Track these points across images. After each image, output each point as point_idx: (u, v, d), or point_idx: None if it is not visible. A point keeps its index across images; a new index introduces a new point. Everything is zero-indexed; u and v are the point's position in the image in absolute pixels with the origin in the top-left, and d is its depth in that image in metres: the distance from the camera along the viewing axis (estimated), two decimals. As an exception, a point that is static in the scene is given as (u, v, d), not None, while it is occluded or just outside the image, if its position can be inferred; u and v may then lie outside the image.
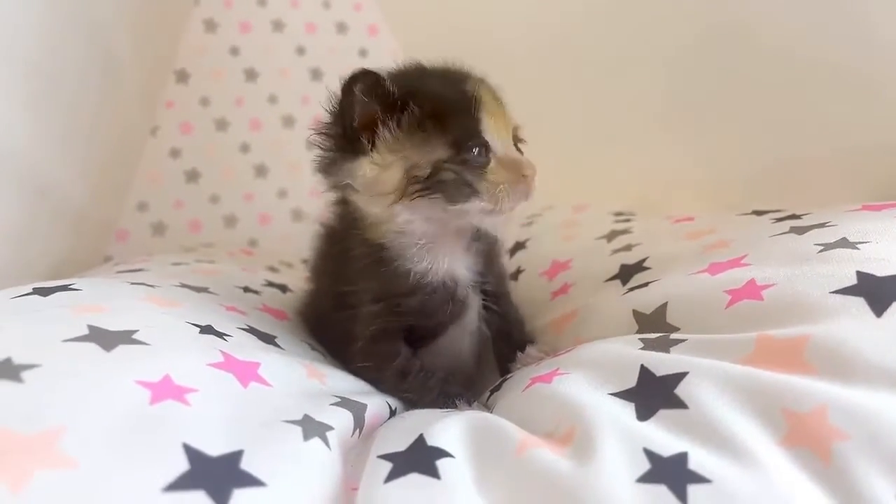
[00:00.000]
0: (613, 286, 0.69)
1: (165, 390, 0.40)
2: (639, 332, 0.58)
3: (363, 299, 0.63)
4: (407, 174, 0.57)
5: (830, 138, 0.84)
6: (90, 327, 0.44)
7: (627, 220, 0.89)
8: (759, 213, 0.75)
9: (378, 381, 0.62)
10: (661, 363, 0.48)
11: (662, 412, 0.44)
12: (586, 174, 1.27)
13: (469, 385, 0.70)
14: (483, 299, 0.68)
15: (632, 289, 0.66)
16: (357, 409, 0.50)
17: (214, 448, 0.37)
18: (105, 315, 0.47)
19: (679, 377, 0.46)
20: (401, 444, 0.44)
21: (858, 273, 0.49)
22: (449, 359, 0.69)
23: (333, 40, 1.51)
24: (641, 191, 1.15)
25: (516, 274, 0.84)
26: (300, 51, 1.49)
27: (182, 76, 1.42)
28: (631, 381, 0.48)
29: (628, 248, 0.76)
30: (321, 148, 0.61)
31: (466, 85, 0.59)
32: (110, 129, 1.13)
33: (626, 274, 0.70)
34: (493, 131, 0.58)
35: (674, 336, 0.53)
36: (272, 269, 1.09)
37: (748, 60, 0.88)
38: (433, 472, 0.40)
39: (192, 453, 0.35)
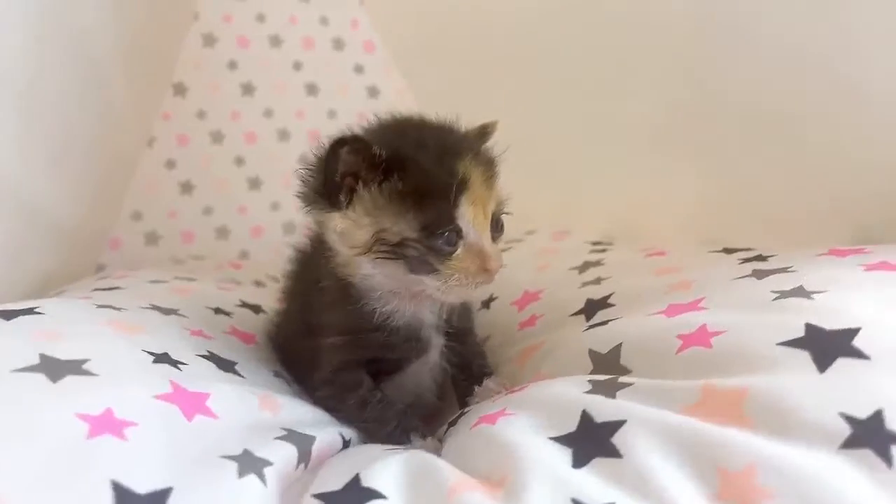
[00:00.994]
0: (577, 321, 0.70)
1: (104, 424, 0.40)
2: (593, 371, 0.59)
3: (329, 330, 0.64)
4: (376, 236, 0.58)
5: (815, 177, 0.83)
6: (42, 356, 0.45)
7: (603, 251, 0.89)
8: (729, 251, 0.75)
9: (339, 410, 0.63)
10: (603, 409, 0.49)
11: (597, 460, 0.45)
12: (572, 197, 1.27)
13: (431, 418, 0.70)
14: (446, 336, 0.69)
15: (592, 326, 0.66)
16: (303, 443, 0.51)
17: (143, 485, 0.37)
18: (60, 342, 0.48)
19: (617, 425, 0.46)
20: (337, 483, 0.45)
21: (807, 325, 0.49)
22: (411, 392, 0.70)
23: (330, 56, 1.53)
24: (626, 217, 1.16)
25: (489, 301, 0.85)
26: (297, 66, 1.51)
27: (180, 89, 1.43)
28: (571, 426, 0.48)
29: (597, 281, 0.76)
30: (304, 184, 0.61)
31: (456, 164, 0.58)
32: (105, 141, 1.15)
33: (590, 309, 0.70)
34: (469, 218, 0.58)
35: (623, 379, 0.53)
36: (258, 284, 1.11)
37: (739, 94, 0.88)
38: (363, 515, 0.41)
39: (119, 490, 0.36)
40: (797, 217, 0.84)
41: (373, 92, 1.56)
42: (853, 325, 0.48)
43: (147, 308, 0.67)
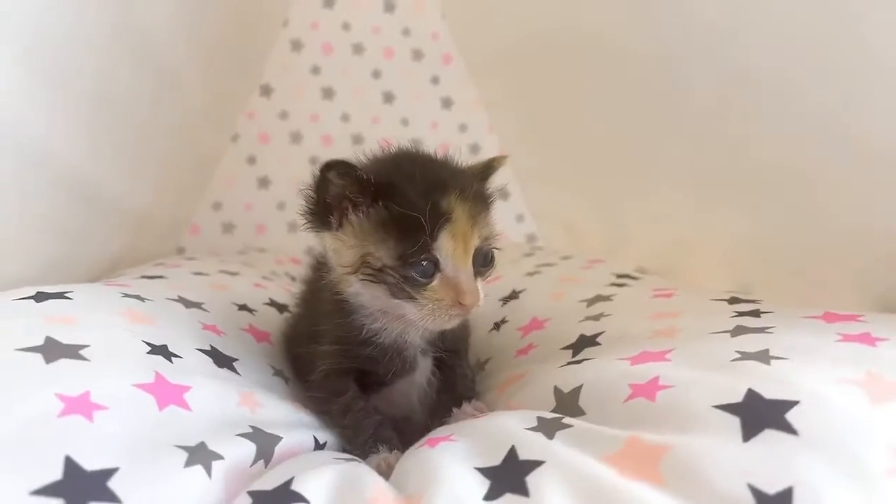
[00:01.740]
0: (563, 356, 0.71)
1: (77, 405, 0.47)
2: (554, 409, 0.60)
3: (324, 337, 0.69)
4: (361, 258, 0.62)
5: (842, 237, 0.80)
6: (47, 338, 0.53)
7: (621, 285, 0.89)
8: (732, 300, 0.74)
9: (324, 413, 0.69)
10: (530, 447, 0.51)
11: (508, 496, 0.47)
12: (618, 227, 1.27)
13: (420, 433, 0.74)
14: (434, 359, 0.72)
15: (571, 363, 0.68)
16: (266, 441, 0.57)
17: (92, 463, 0.44)
18: (69, 327, 0.56)
19: (535, 465, 0.49)
20: (272, 483, 0.50)
21: (748, 391, 0.49)
22: (400, 407, 0.74)
23: (408, 66, 1.59)
24: (665, 251, 1.14)
25: (500, 324, 0.88)
26: (376, 74, 1.58)
27: (266, 90, 1.55)
28: (497, 459, 0.51)
29: (598, 317, 0.77)
30: (305, 202, 0.66)
31: (441, 197, 0.60)
32: (190, 137, 1.27)
33: (579, 345, 0.72)
34: (448, 252, 0.60)
35: (567, 420, 0.55)
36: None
37: (767, 149, 0.85)
38: (280, 515, 0.46)
39: (69, 465, 0.43)
40: (823, 274, 0.81)
41: (446, 103, 1.61)
42: (792, 398, 0.48)
43: (173, 300, 0.75)
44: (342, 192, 0.61)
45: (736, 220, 0.96)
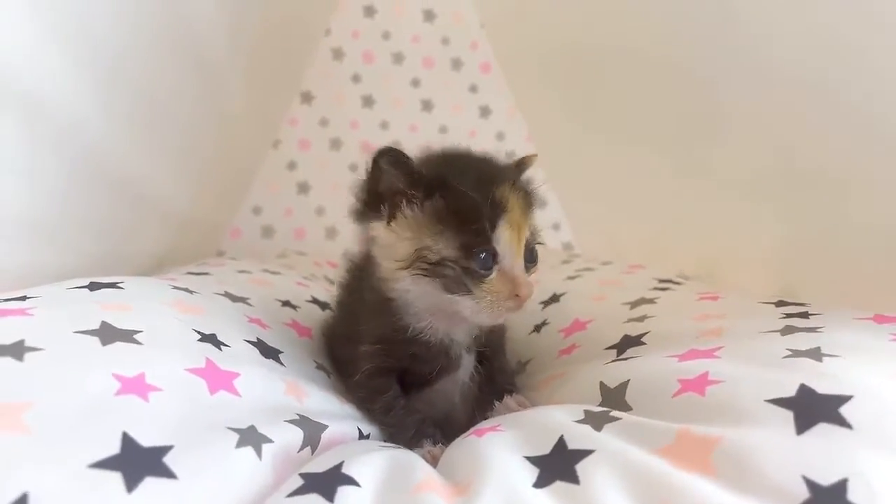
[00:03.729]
0: (608, 355, 0.71)
1: (133, 386, 0.49)
2: (601, 404, 0.60)
3: (365, 338, 0.70)
4: (417, 252, 0.62)
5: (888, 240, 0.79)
6: (103, 323, 0.55)
7: (664, 289, 0.89)
8: (780, 303, 0.72)
9: (368, 411, 0.69)
10: (578, 437, 0.51)
11: (558, 483, 0.47)
12: (660, 233, 1.26)
13: (461, 432, 0.74)
14: (477, 356, 0.72)
15: (616, 360, 0.67)
16: (312, 429, 0.57)
17: (149, 440, 0.45)
18: (124, 314, 0.58)
19: (585, 454, 0.48)
20: (323, 466, 0.50)
21: (801, 386, 0.49)
22: (441, 408, 0.74)
23: (447, 75, 1.61)
24: (708, 257, 1.13)
25: (540, 326, 0.87)
26: (415, 83, 1.60)
27: (307, 97, 1.57)
28: (546, 449, 0.51)
29: (642, 318, 0.77)
30: (355, 197, 0.67)
31: (496, 188, 0.61)
32: (231, 142, 1.30)
33: (624, 345, 0.71)
34: (506, 243, 0.61)
35: (615, 413, 0.55)
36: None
37: (816, 157, 0.84)
38: (331, 496, 0.46)
39: (126, 440, 0.44)
40: (870, 278, 0.80)
41: (484, 112, 1.62)
42: (846, 393, 0.47)
43: (219, 294, 0.76)
44: (395, 183, 0.61)
45: (780, 225, 0.95)
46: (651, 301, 0.82)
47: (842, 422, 0.45)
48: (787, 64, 0.80)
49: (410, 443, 0.65)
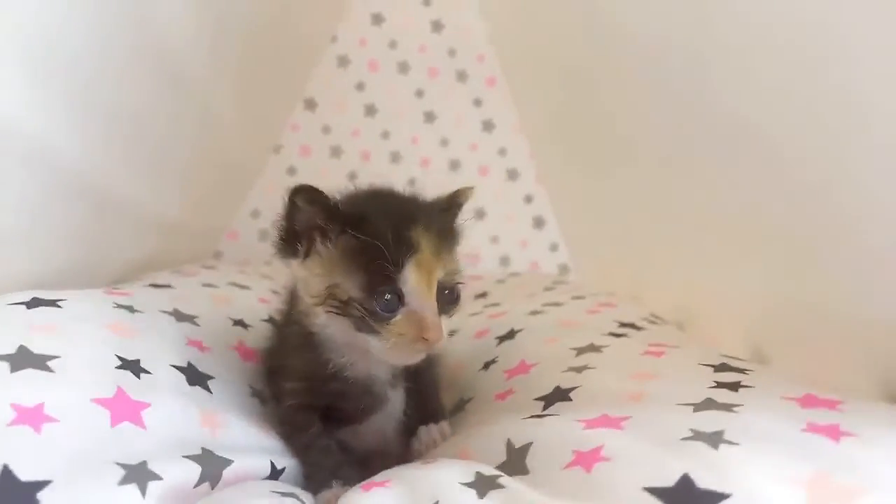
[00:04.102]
0: (534, 407, 0.70)
1: (29, 416, 0.50)
2: (504, 463, 0.60)
3: (289, 374, 0.71)
4: (328, 290, 0.63)
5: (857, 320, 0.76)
6: (20, 347, 0.56)
7: (619, 335, 0.87)
8: (720, 367, 0.71)
9: (289, 446, 0.70)
10: (454, 506, 0.51)
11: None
12: (644, 269, 1.24)
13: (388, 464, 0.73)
14: (406, 392, 0.73)
15: (534, 416, 0.67)
16: (214, 464, 0.58)
17: (28, 474, 0.46)
18: (46, 337, 0.60)
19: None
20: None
21: (683, 476, 0.48)
22: (373, 441, 0.75)
23: (452, 87, 1.60)
24: (686, 299, 1.11)
25: (489, 364, 0.87)
26: (419, 93, 1.60)
27: (310, 104, 1.59)
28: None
29: (581, 369, 0.76)
30: (276, 230, 0.68)
31: (407, 228, 0.61)
32: (228, 147, 1.32)
33: (552, 398, 0.71)
34: (413, 284, 0.61)
35: (503, 480, 0.55)
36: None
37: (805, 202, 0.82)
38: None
39: (5, 474, 0.45)
40: (833, 348, 0.77)
41: (487, 126, 1.62)
42: (724, 491, 0.46)
43: (166, 312, 0.77)
44: (311, 220, 0.62)
45: (753, 277, 0.92)
46: (598, 350, 0.81)
47: (704, 522, 0.44)
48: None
49: (322, 483, 0.65)
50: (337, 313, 0.62)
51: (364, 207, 0.63)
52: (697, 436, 0.53)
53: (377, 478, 0.60)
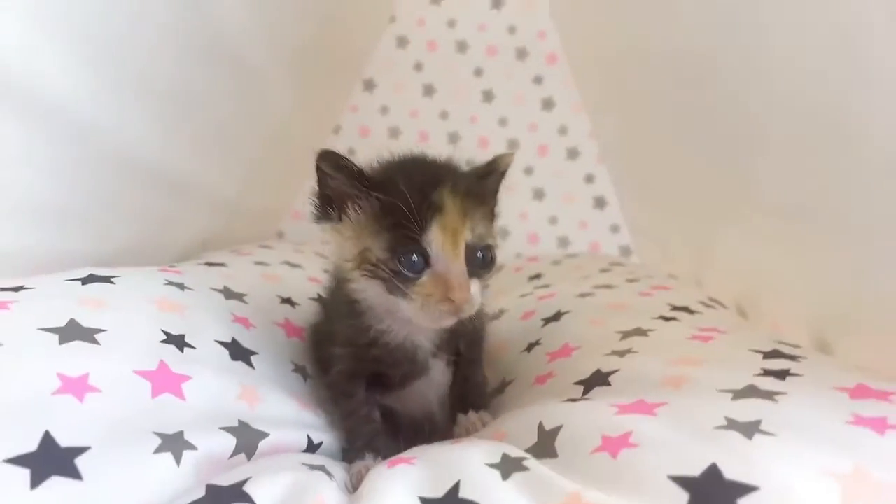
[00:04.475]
0: (574, 392, 0.69)
1: (73, 386, 0.53)
2: (534, 445, 0.59)
3: (337, 339, 0.72)
4: (361, 253, 0.63)
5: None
6: (70, 321, 0.60)
7: (669, 319, 0.84)
8: (770, 354, 0.67)
9: (334, 412, 0.72)
10: (475, 485, 0.51)
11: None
12: (707, 250, 1.19)
13: (442, 431, 0.76)
14: (449, 363, 0.73)
15: (570, 400, 0.65)
16: (249, 437, 0.60)
17: (68, 440, 0.49)
18: (97, 311, 0.63)
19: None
20: (230, 480, 0.53)
21: (711, 466, 0.46)
22: (418, 407, 0.76)
23: (511, 65, 1.57)
24: (747, 282, 1.06)
25: (532, 346, 0.86)
26: (478, 72, 1.58)
27: (369, 85, 1.60)
28: (441, 492, 0.51)
29: (623, 353, 0.73)
30: (312, 199, 0.68)
31: (433, 191, 0.61)
32: (289, 129, 1.35)
33: (591, 382, 0.69)
34: (438, 244, 0.60)
35: (528, 462, 0.54)
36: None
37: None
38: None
39: (46, 439, 0.48)
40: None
41: (547, 104, 1.58)
42: (753, 483, 0.44)
43: (216, 290, 0.80)
44: (339, 185, 0.63)
45: (818, 264, 0.87)
46: (644, 333, 0.78)
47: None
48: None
49: (357, 452, 0.67)
50: (370, 276, 0.63)
51: (391, 172, 0.64)
52: (732, 425, 0.51)
53: (405, 454, 0.60)
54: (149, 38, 0.83)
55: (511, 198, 1.57)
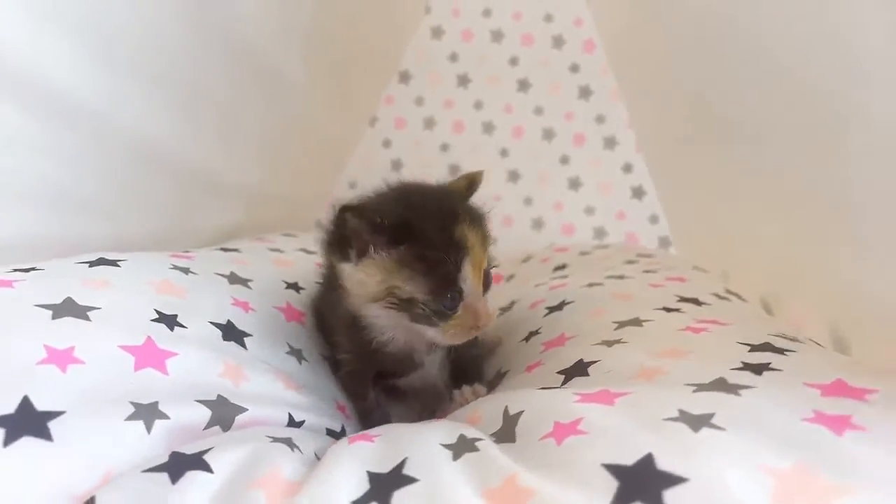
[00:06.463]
0: (555, 381, 0.68)
1: (58, 357, 0.57)
2: (499, 430, 0.59)
3: (341, 347, 0.78)
4: (387, 290, 0.66)
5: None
6: (67, 299, 0.64)
7: (671, 310, 0.82)
8: (760, 347, 0.65)
9: (353, 409, 0.80)
10: (420, 462, 0.52)
11: (374, 507, 0.48)
12: (733, 246, 1.14)
13: (440, 400, 0.81)
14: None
15: (544, 388, 0.65)
16: (226, 410, 0.62)
17: (45, 405, 0.52)
18: (96, 291, 0.67)
19: (409, 480, 0.49)
20: (193, 448, 0.55)
21: (646, 456, 0.45)
22: (422, 382, 0.82)
23: (547, 54, 1.55)
24: (772, 277, 1.01)
25: (532, 335, 0.85)
26: (513, 61, 1.57)
27: (404, 76, 1.61)
28: (387, 467, 0.52)
29: (611, 343, 0.72)
30: (324, 233, 0.72)
31: (458, 231, 0.65)
32: (327, 121, 1.39)
33: (571, 373, 0.69)
34: (469, 278, 0.66)
35: (480, 444, 0.54)
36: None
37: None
38: (177, 478, 0.51)
39: (24, 403, 0.52)
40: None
41: (584, 92, 1.56)
42: (683, 475, 0.43)
43: (220, 275, 0.83)
44: (360, 231, 0.65)
45: (842, 263, 0.83)
46: (639, 324, 0.77)
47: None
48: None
49: None
50: (396, 309, 0.67)
51: (410, 214, 0.65)
52: (682, 417, 0.50)
53: (371, 431, 0.62)
54: (175, 34, 0.87)
55: (546, 188, 1.56)
